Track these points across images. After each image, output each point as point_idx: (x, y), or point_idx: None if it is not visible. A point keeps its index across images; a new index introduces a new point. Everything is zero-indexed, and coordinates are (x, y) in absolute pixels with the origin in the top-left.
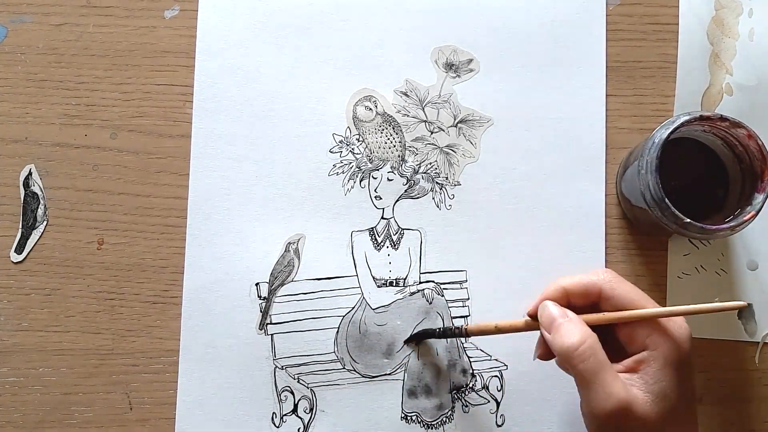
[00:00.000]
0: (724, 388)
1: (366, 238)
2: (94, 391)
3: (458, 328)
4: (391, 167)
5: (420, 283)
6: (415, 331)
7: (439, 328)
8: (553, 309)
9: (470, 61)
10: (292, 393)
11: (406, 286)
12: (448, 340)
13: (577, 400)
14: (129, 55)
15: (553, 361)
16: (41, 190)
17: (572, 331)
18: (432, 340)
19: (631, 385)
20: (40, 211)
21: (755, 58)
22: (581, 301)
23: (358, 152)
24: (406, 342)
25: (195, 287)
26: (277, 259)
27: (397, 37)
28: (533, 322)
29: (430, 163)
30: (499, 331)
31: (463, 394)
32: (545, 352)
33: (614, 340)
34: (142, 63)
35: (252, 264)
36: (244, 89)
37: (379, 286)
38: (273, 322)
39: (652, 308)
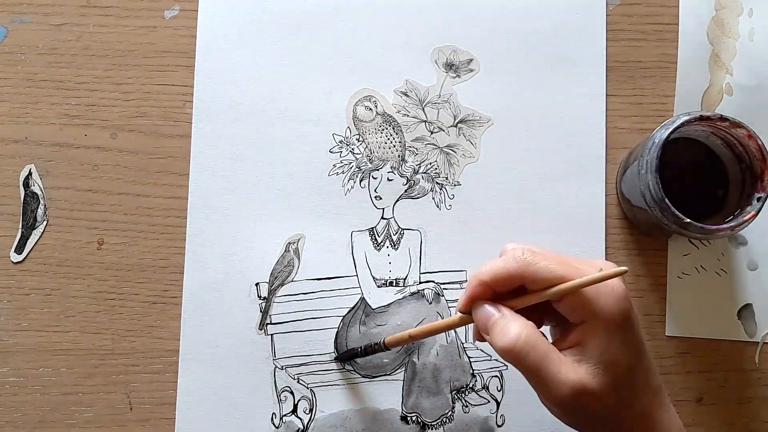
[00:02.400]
0: (724, 388)
1: (366, 238)
2: (94, 391)
3: (377, 343)
4: (391, 167)
5: (420, 283)
6: (341, 353)
7: (360, 347)
8: (483, 310)
9: (470, 61)
10: (292, 393)
11: (406, 286)
12: (448, 340)
13: None
14: (129, 55)
15: None
16: (41, 190)
17: (505, 328)
18: (431, 341)
19: (578, 361)
20: (40, 211)
21: (755, 58)
22: (508, 288)
23: (358, 152)
24: (335, 360)
25: (195, 287)
26: (277, 259)
27: (397, 37)
28: (467, 315)
29: (430, 163)
30: (412, 338)
31: (463, 395)
32: (480, 336)
33: (557, 314)
34: (142, 63)
35: (252, 264)
36: (244, 89)
37: (379, 286)
38: (273, 322)
39: (568, 283)
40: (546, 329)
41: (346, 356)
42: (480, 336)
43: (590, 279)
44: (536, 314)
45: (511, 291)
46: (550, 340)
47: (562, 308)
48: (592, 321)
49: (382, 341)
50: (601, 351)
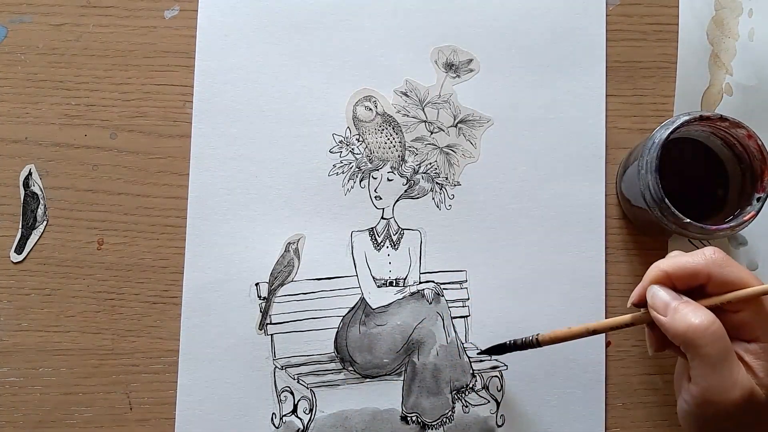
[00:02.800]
0: None
1: (366, 238)
2: (94, 391)
3: (530, 339)
4: (391, 167)
5: (420, 283)
6: (491, 346)
7: (511, 341)
8: (664, 293)
9: (470, 61)
10: (292, 393)
11: (406, 286)
12: (448, 340)
13: (575, 400)
14: (129, 55)
15: (553, 361)
16: (41, 190)
17: (695, 312)
18: (431, 341)
19: (756, 366)
20: (40, 211)
21: (755, 58)
22: (685, 286)
23: (358, 152)
24: (482, 353)
25: (195, 287)
26: (277, 259)
27: (397, 37)
28: (643, 313)
29: (430, 163)
30: (590, 332)
31: (463, 395)
32: (660, 343)
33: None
34: (142, 63)
35: (252, 264)
36: (244, 89)
37: (379, 286)
38: (273, 322)
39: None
40: None
41: (494, 350)
42: (658, 344)
43: None
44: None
45: (685, 292)
46: None
47: (736, 320)
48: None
49: (535, 337)
50: (765, 374)
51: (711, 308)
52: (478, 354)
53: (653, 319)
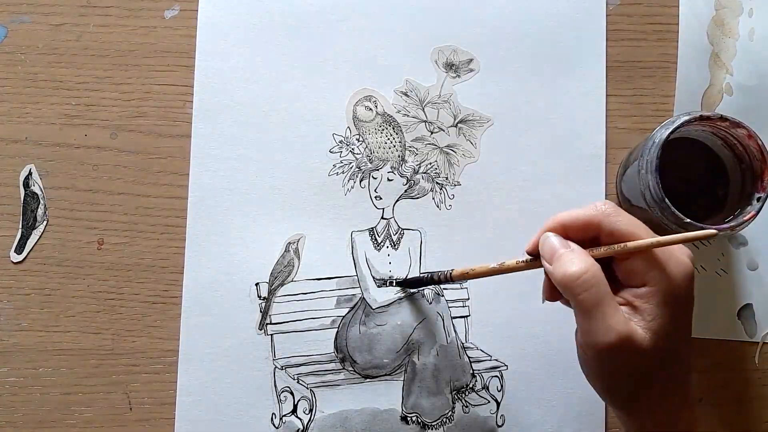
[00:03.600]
0: (724, 388)
1: (366, 238)
2: (94, 391)
3: (444, 273)
4: (391, 167)
5: None
6: (406, 278)
7: (428, 274)
8: (554, 240)
9: (470, 61)
10: (292, 393)
11: None
12: (448, 340)
13: (575, 400)
14: (129, 55)
15: (553, 361)
16: (41, 190)
17: (575, 260)
18: (431, 341)
19: (633, 318)
20: (40, 211)
21: (755, 58)
22: (580, 236)
23: (358, 152)
24: (398, 284)
25: (195, 287)
26: (277, 259)
27: (397, 37)
28: (534, 259)
29: (430, 163)
30: (495, 272)
31: (463, 395)
32: (552, 293)
33: (613, 275)
34: (142, 63)
35: (252, 264)
36: (244, 89)
37: (379, 286)
38: (273, 322)
39: (652, 238)
40: None
41: (408, 283)
42: (550, 293)
43: (676, 238)
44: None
45: (581, 242)
46: None
47: (625, 267)
48: (654, 287)
49: (449, 272)
50: (653, 317)
51: (605, 257)
52: (394, 285)
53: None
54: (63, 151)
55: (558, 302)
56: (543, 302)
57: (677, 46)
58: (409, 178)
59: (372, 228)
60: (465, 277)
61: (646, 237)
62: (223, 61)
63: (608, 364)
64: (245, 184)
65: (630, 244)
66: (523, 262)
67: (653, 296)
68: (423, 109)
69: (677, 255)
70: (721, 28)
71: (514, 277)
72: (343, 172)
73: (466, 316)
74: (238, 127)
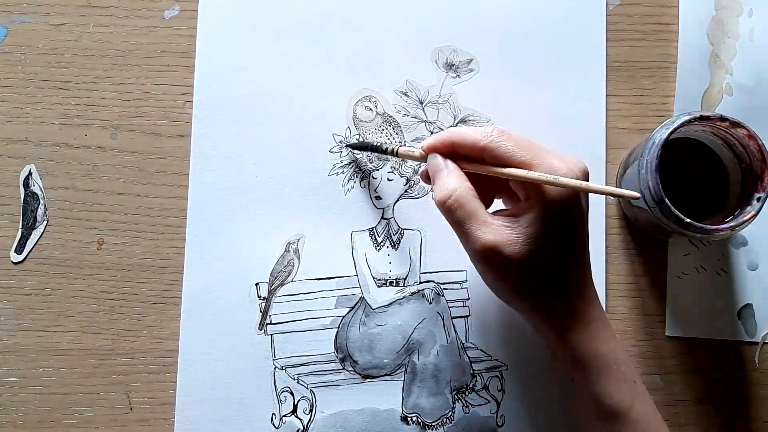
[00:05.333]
0: (724, 388)
1: (366, 238)
2: (94, 391)
3: (391, 149)
4: (391, 167)
5: (420, 283)
6: (354, 143)
7: (376, 143)
8: (435, 161)
9: (470, 61)
10: (292, 393)
11: (406, 286)
12: (449, 340)
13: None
14: (129, 55)
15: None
16: (41, 190)
17: (445, 183)
18: (432, 341)
19: (505, 227)
20: (40, 211)
21: (755, 58)
22: (468, 154)
23: (359, 152)
24: (347, 146)
25: (195, 287)
26: (277, 259)
27: (397, 37)
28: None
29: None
30: (421, 158)
31: (463, 395)
32: (426, 178)
33: (511, 190)
34: (142, 63)
35: (252, 264)
36: (244, 89)
37: (379, 286)
38: (273, 322)
39: (522, 171)
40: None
41: (358, 146)
42: (427, 180)
43: (538, 178)
44: (495, 186)
45: (470, 159)
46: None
47: (513, 184)
48: (532, 200)
49: (396, 149)
50: (528, 224)
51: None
52: (344, 147)
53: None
54: (63, 151)
55: None
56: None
57: (677, 46)
58: (409, 178)
59: (372, 228)
60: (407, 158)
61: (528, 165)
62: (223, 61)
63: (488, 270)
64: (245, 184)
65: (497, 169)
66: (418, 153)
67: (531, 208)
68: (423, 109)
69: (562, 170)
70: (721, 28)
71: None
72: (343, 172)
73: (466, 316)
74: (238, 127)
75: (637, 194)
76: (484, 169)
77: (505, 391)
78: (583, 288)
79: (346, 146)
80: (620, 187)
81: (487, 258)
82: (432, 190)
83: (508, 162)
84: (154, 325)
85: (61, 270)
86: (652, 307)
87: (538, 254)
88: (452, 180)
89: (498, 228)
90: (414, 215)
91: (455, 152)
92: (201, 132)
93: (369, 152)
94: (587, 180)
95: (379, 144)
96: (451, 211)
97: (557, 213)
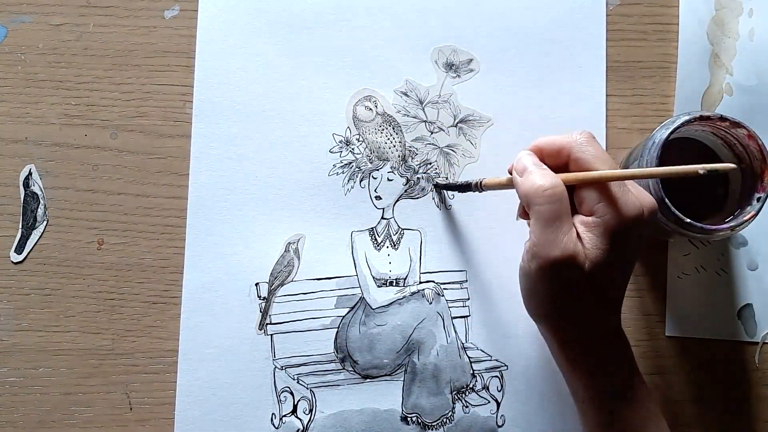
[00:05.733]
0: (724, 388)
1: (366, 238)
2: (94, 391)
3: (474, 183)
4: (391, 167)
5: (420, 283)
6: (443, 183)
7: (458, 182)
8: (527, 158)
9: (470, 61)
10: (292, 393)
11: (406, 286)
12: (449, 340)
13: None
14: (129, 55)
15: (553, 361)
16: (41, 190)
17: (544, 176)
18: (432, 341)
19: (585, 236)
20: (40, 211)
21: (755, 58)
22: (554, 161)
23: (358, 152)
24: (434, 186)
25: (195, 287)
26: (277, 259)
27: (397, 37)
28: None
29: (430, 163)
30: (508, 183)
31: (463, 395)
32: (526, 213)
33: (571, 202)
34: (142, 63)
35: (252, 264)
36: (244, 89)
37: (379, 286)
38: (273, 322)
39: (609, 170)
40: None
41: (445, 186)
42: (524, 213)
43: (626, 173)
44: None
45: (555, 168)
46: None
47: (580, 195)
48: (599, 218)
49: (480, 182)
50: (592, 246)
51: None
52: (437, 185)
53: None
54: (63, 151)
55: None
56: (517, 219)
57: (677, 46)
58: (409, 178)
59: (372, 228)
60: (498, 186)
61: (603, 168)
62: (223, 61)
63: (549, 277)
64: (245, 184)
65: (588, 174)
66: (505, 179)
67: (597, 227)
68: (423, 109)
69: (633, 196)
70: (721, 28)
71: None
72: (343, 172)
73: (466, 316)
74: (238, 127)
75: (732, 165)
76: (573, 176)
77: (505, 391)
78: (613, 311)
79: (434, 186)
80: None
81: (559, 264)
82: (520, 182)
83: (589, 169)
84: (154, 325)
85: (61, 270)
86: (652, 307)
87: (596, 277)
88: (551, 175)
89: (582, 235)
90: (414, 215)
91: (542, 160)
92: (201, 132)
93: (457, 191)
94: (655, 213)
95: (465, 182)
96: (548, 201)
97: (621, 239)
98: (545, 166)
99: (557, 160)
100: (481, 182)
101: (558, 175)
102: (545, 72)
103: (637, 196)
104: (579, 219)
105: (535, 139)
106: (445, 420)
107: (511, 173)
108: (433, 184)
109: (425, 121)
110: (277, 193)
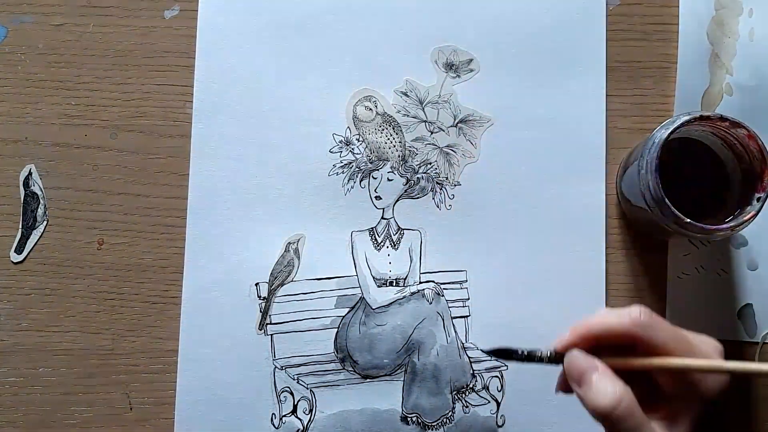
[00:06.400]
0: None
1: (366, 238)
2: (94, 391)
3: (547, 356)
4: (391, 167)
5: (420, 283)
6: (498, 347)
7: (523, 352)
8: (581, 361)
9: (470, 61)
10: (292, 393)
11: (406, 286)
12: (448, 340)
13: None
14: (129, 55)
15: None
16: (41, 190)
17: (605, 389)
18: (432, 341)
19: None
20: (40, 211)
21: (755, 58)
22: (611, 343)
23: (358, 152)
24: (487, 353)
25: (195, 287)
26: (277, 259)
27: (397, 37)
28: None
29: (430, 163)
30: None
31: (463, 395)
32: (567, 387)
33: (649, 379)
34: (142, 63)
35: (252, 264)
36: (244, 89)
37: (379, 286)
38: (273, 322)
39: (688, 360)
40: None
41: (503, 354)
42: (565, 386)
43: (709, 366)
44: (626, 374)
45: (612, 347)
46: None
47: (661, 377)
48: (690, 399)
49: (553, 352)
50: (691, 426)
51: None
52: (482, 351)
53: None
54: (63, 151)
55: (551, 305)
56: (556, 392)
57: (677, 46)
58: (409, 178)
59: (372, 228)
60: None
61: (684, 352)
62: (223, 61)
63: None
64: (245, 184)
65: (657, 360)
66: (552, 355)
67: (690, 408)
68: (423, 109)
69: (715, 357)
70: (721, 28)
71: (514, 276)
72: (343, 172)
73: (466, 316)
74: (238, 127)
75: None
76: (644, 362)
77: (505, 392)
78: None
79: (488, 353)
80: (620, 187)
81: None
82: (581, 395)
83: (661, 351)
84: (154, 325)
85: (61, 270)
86: (652, 307)
87: None
88: (613, 385)
89: None
90: (414, 215)
91: (596, 345)
92: (201, 132)
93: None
94: (723, 355)
95: (528, 352)
96: (618, 422)
97: (704, 412)
98: (601, 367)
99: (618, 342)
100: (554, 354)
101: (620, 363)
102: (545, 72)
103: (715, 347)
104: (669, 406)
105: (535, 139)
106: (445, 420)
107: (558, 351)
108: (488, 352)
109: (425, 121)
110: (277, 193)
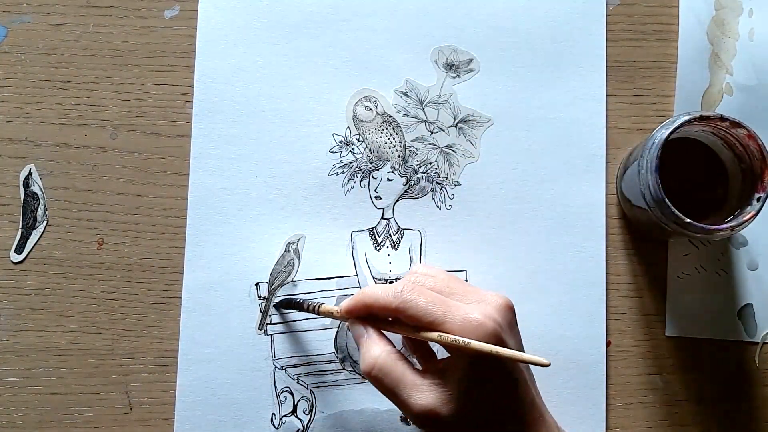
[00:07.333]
0: (724, 388)
1: (366, 238)
2: (94, 391)
3: (314, 306)
4: (391, 167)
5: None
6: (280, 300)
7: (300, 300)
8: (355, 328)
9: (470, 61)
10: (292, 394)
11: None
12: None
13: (575, 400)
14: (129, 55)
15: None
16: (41, 190)
17: (367, 352)
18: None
19: (436, 387)
20: (40, 211)
21: (755, 58)
22: (384, 316)
23: (358, 152)
24: (275, 306)
25: (195, 287)
26: (277, 259)
27: (397, 37)
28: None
29: (430, 163)
30: (341, 316)
31: None
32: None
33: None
34: (142, 63)
35: (252, 264)
36: (244, 89)
37: None
38: (272, 322)
39: (434, 333)
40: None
41: (284, 304)
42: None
43: (451, 342)
44: (411, 340)
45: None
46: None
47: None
48: (455, 354)
49: (317, 306)
50: (458, 381)
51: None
52: (274, 307)
53: None
54: (63, 151)
55: (551, 305)
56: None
57: (677, 46)
58: (409, 178)
59: (372, 228)
60: (329, 316)
61: (442, 321)
62: (223, 61)
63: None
64: (245, 184)
65: (418, 333)
66: (337, 313)
67: (456, 361)
68: (423, 109)
69: (477, 321)
70: (721, 28)
71: (513, 277)
72: (343, 172)
73: None
74: (238, 127)
75: (546, 362)
76: (400, 330)
77: None
78: (536, 421)
79: (274, 306)
80: (620, 187)
81: (428, 422)
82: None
83: (422, 322)
84: (154, 325)
85: (61, 270)
86: (652, 307)
87: (479, 410)
88: (373, 347)
89: (429, 389)
90: (414, 215)
91: (372, 314)
92: (201, 132)
93: (293, 310)
94: (513, 313)
95: (301, 300)
96: (377, 381)
97: (484, 363)
98: (370, 332)
99: (388, 315)
100: (317, 307)
101: (393, 328)
102: (545, 72)
103: (485, 311)
104: (441, 361)
105: (535, 139)
106: None
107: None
108: (274, 305)
109: (425, 121)
110: (277, 193)
